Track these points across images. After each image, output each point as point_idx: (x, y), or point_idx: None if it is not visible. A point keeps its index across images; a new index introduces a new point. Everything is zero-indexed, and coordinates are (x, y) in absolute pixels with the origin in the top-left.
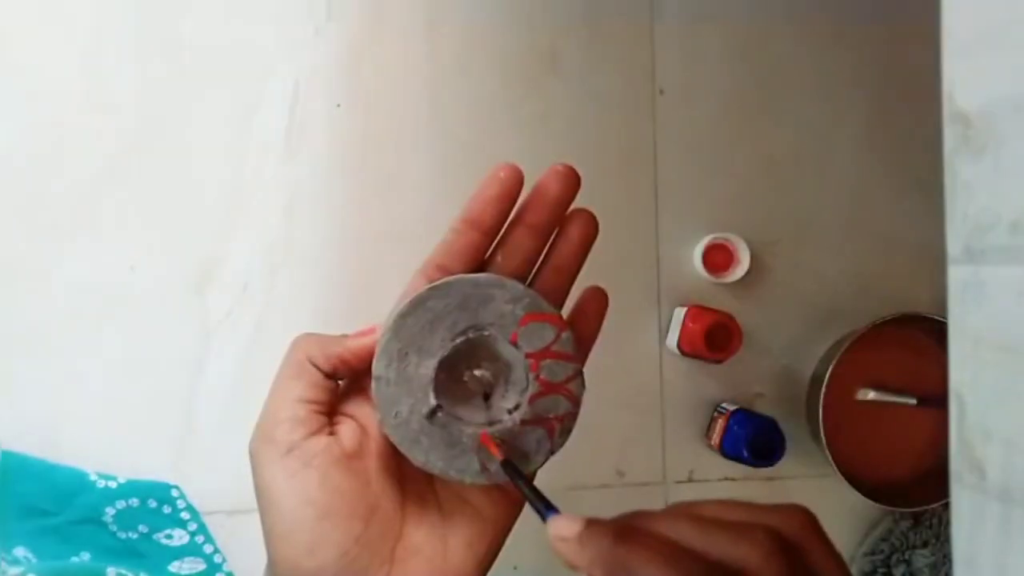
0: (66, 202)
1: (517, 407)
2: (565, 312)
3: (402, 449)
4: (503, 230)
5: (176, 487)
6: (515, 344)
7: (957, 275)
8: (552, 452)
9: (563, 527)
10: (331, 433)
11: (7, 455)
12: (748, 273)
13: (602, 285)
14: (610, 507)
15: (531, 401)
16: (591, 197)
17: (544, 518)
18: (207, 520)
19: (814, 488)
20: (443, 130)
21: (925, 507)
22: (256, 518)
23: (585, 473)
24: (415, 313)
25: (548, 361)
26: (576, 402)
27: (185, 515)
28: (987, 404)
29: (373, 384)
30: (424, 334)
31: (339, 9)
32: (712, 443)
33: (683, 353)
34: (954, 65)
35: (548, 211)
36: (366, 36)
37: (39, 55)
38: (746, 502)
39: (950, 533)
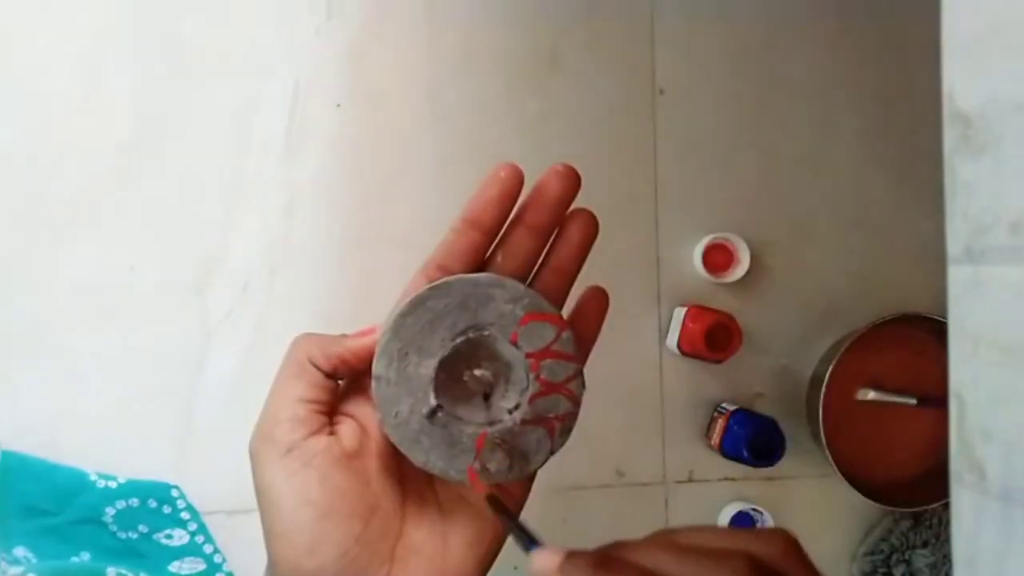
0: (66, 202)
1: (517, 407)
2: (565, 312)
3: (402, 449)
4: (503, 230)
5: (176, 487)
6: (515, 344)
7: (957, 275)
8: (552, 452)
9: (544, 560)
10: (331, 433)
11: (7, 455)
12: (748, 273)
13: (602, 285)
14: (610, 507)
15: (531, 401)
16: (591, 197)
17: (527, 551)
18: (207, 520)
19: (814, 488)
20: (444, 130)
21: (925, 507)
22: (256, 518)
23: (585, 473)
24: (415, 313)
25: (548, 361)
26: (576, 402)
27: (185, 515)
28: (987, 404)
29: (373, 384)
30: (424, 334)
31: (339, 9)
32: (712, 443)
33: (683, 353)
34: (954, 65)
35: (548, 211)
36: (366, 36)
37: (39, 55)
38: (727, 528)
39: (950, 533)
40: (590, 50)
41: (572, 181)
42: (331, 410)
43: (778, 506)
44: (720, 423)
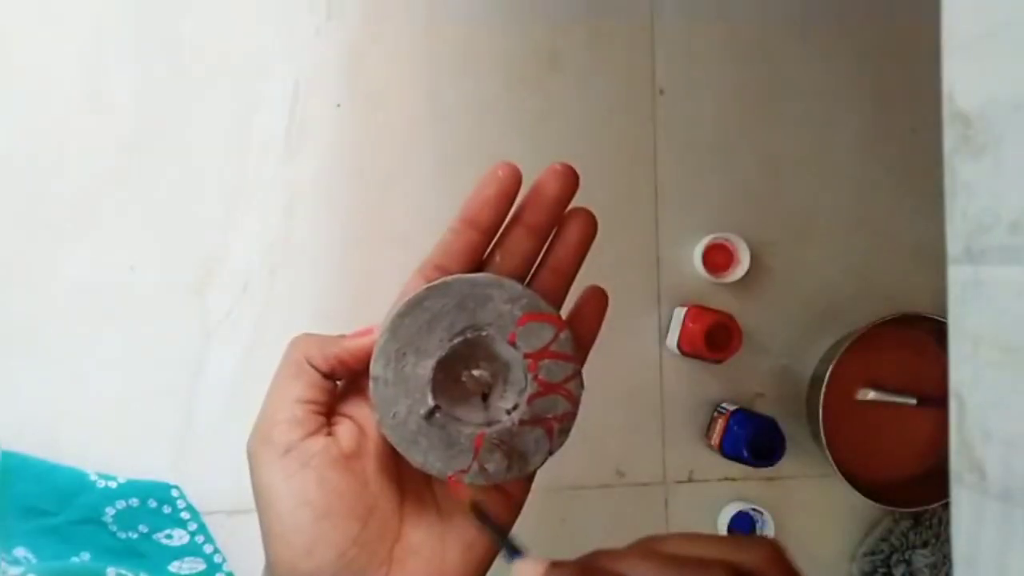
0: (66, 202)
1: (515, 407)
2: (564, 312)
3: (400, 449)
4: (501, 230)
5: (176, 487)
6: (513, 344)
7: (957, 275)
8: (551, 452)
9: (526, 570)
10: (329, 434)
11: (7, 455)
12: (748, 273)
13: (602, 285)
14: (610, 507)
15: (529, 401)
16: (591, 197)
17: (509, 561)
18: (207, 520)
19: (814, 488)
20: (443, 130)
21: (925, 507)
22: (256, 518)
23: (585, 473)
24: (413, 313)
25: (546, 361)
26: (575, 402)
27: (185, 515)
28: (987, 404)
29: (371, 384)
30: (422, 334)
31: (339, 9)
32: (712, 443)
33: (683, 353)
34: (954, 65)
35: (546, 211)
36: (366, 36)
37: (39, 55)
38: (712, 535)
39: (950, 533)
40: (590, 50)
41: (570, 180)
42: (329, 411)
43: (778, 506)
44: (720, 423)
